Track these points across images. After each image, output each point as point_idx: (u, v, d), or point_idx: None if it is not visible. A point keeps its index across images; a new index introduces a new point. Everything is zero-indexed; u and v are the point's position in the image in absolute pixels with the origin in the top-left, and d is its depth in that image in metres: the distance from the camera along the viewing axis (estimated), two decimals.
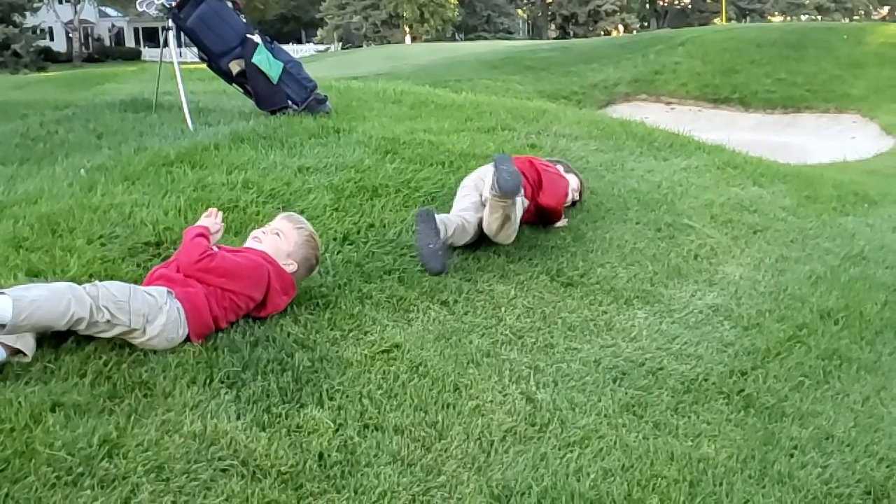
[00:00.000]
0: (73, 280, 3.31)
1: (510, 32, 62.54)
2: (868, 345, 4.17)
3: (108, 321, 2.88)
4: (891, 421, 3.57)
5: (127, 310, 2.90)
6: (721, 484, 2.98)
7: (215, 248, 3.28)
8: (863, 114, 17.58)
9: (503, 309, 3.96)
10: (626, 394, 3.47)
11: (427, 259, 4.01)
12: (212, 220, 3.47)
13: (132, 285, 3.02)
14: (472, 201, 4.41)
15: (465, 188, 4.57)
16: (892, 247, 5.56)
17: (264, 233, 3.53)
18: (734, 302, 4.39)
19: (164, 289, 3.08)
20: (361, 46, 51.46)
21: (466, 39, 55.58)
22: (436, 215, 4.06)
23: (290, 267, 3.46)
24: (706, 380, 3.65)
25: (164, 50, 6.71)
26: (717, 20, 56.91)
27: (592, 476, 2.91)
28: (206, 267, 3.16)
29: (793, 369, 3.84)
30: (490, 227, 4.25)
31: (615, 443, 3.13)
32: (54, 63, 47.53)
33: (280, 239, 3.48)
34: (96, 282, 2.95)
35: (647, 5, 67.03)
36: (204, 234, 3.29)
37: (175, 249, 3.74)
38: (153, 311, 2.97)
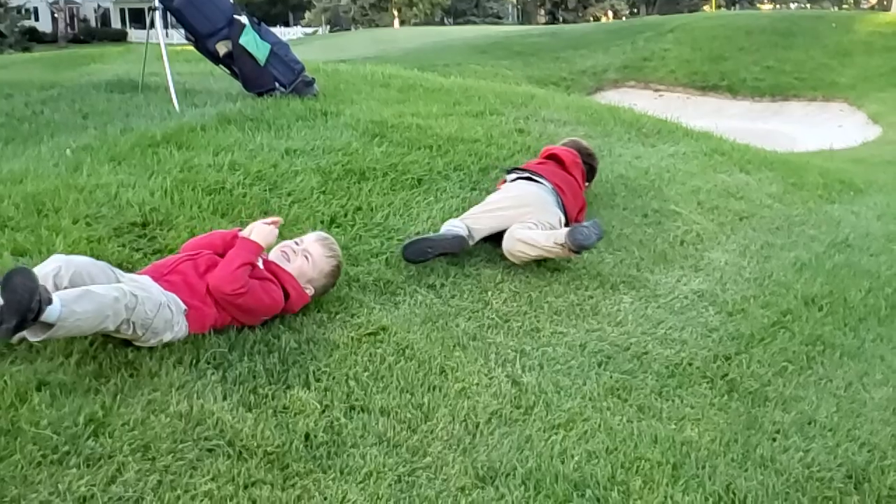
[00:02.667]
0: None
1: (499, 17, 62.40)
2: (851, 331, 4.20)
3: (128, 333, 2.86)
4: (873, 406, 3.61)
5: (148, 326, 2.87)
6: (704, 467, 3.01)
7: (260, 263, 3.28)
8: (850, 102, 17.64)
9: (490, 293, 3.98)
10: (611, 377, 3.49)
11: (415, 248, 3.97)
12: (272, 234, 3.35)
13: (162, 300, 2.93)
14: (495, 225, 4.28)
15: (512, 211, 4.33)
16: (877, 234, 5.60)
17: (294, 252, 3.44)
18: (719, 288, 4.42)
19: (183, 306, 3.02)
20: (349, 30, 51.29)
21: (455, 24, 55.38)
22: (464, 238, 4.08)
23: (308, 291, 3.44)
24: (690, 364, 3.68)
25: (151, 31, 6.67)
26: (706, 7, 56.91)
27: (577, 458, 2.94)
28: (233, 302, 3.14)
29: (776, 355, 3.87)
30: (517, 235, 4.15)
31: (600, 426, 3.15)
32: (39, 43, 47.06)
33: (307, 263, 3.42)
34: (138, 293, 2.83)
35: None
36: (251, 264, 3.21)
37: (161, 229, 3.74)
38: (165, 328, 2.94)
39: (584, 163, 4.94)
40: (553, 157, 4.88)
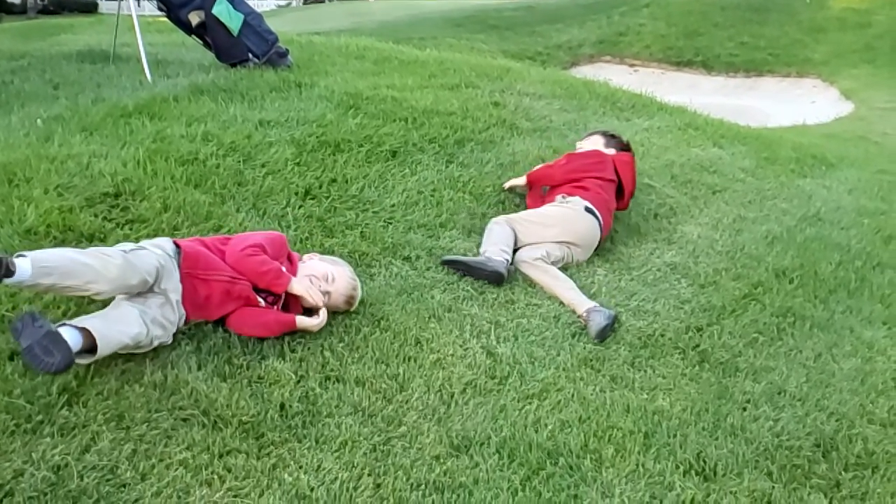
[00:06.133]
0: (29, 231, 3.28)
1: None
2: (821, 303, 4.25)
3: None
4: (841, 377, 3.66)
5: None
6: (675, 435, 3.05)
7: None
8: (823, 78, 17.70)
9: None
10: (585, 348, 3.52)
11: (452, 265, 3.92)
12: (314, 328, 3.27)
13: (168, 340, 2.91)
14: (540, 240, 4.16)
15: (565, 239, 4.19)
16: (848, 209, 5.66)
17: (325, 281, 3.31)
18: (692, 260, 4.45)
19: (183, 324, 3.00)
20: (324, 2, 50.69)
21: None
22: (503, 276, 3.89)
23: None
24: (663, 335, 3.71)
25: (122, 1, 6.58)
26: None
27: (550, 427, 2.97)
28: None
29: (747, 326, 3.92)
30: (542, 278, 3.98)
31: (573, 395, 3.18)
32: (8, 14, 46.20)
33: (322, 300, 3.28)
34: (157, 340, 2.83)
35: None
36: (287, 325, 3.18)
37: (133, 199, 3.71)
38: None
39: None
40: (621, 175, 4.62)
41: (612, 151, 4.74)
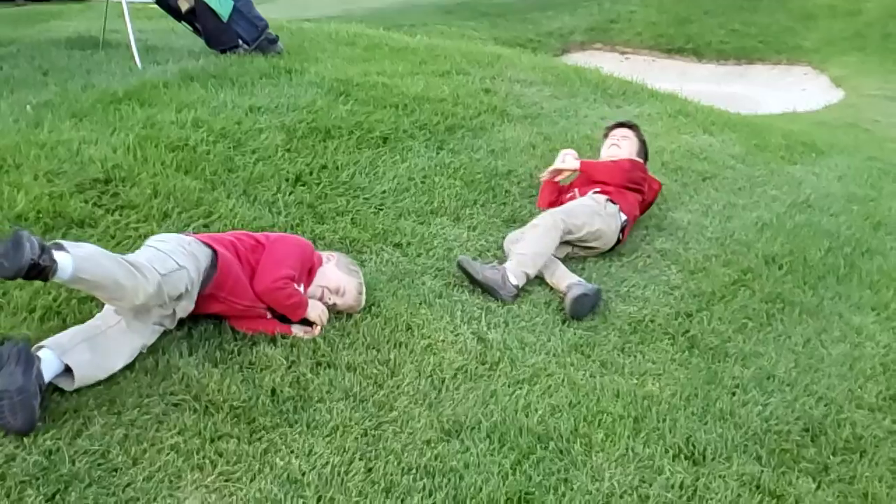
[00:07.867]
0: (20, 217, 3.28)
1: None
2: (811, 289, 4.27)
3: None
4: (830, 362, 3.69)
5: None
6: (665, 420, 3.06)
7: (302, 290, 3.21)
8: (814, 66, 17.69)
9: (455, 251, 3.99)
10: (575, 334, 3.53)
11: (463, 270, 3.77)
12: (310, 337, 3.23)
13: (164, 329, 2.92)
14: (573, 227, 4.07)
15: (593, 235, 4.17)
16: (837, 195, 5.68)
17: (328, 303, 3.29)
18: (682, 247, 4.47)
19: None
20: None
21: None
22: (509, 301, 3.71)
23: None
24: (652, 321, 3.73)
25: None
26: None
27: (540, 412, 2.98)
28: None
29: (737, 312, 3.93)
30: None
31: (563, 380, 3.19)
32: None
33: (328, 303, 3.31)
34: (143, 350, 2.82)
35: None
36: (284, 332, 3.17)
37: (124, 185, 3.70)
38: None
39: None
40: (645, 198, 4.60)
41: (640, 160, 4.69)
